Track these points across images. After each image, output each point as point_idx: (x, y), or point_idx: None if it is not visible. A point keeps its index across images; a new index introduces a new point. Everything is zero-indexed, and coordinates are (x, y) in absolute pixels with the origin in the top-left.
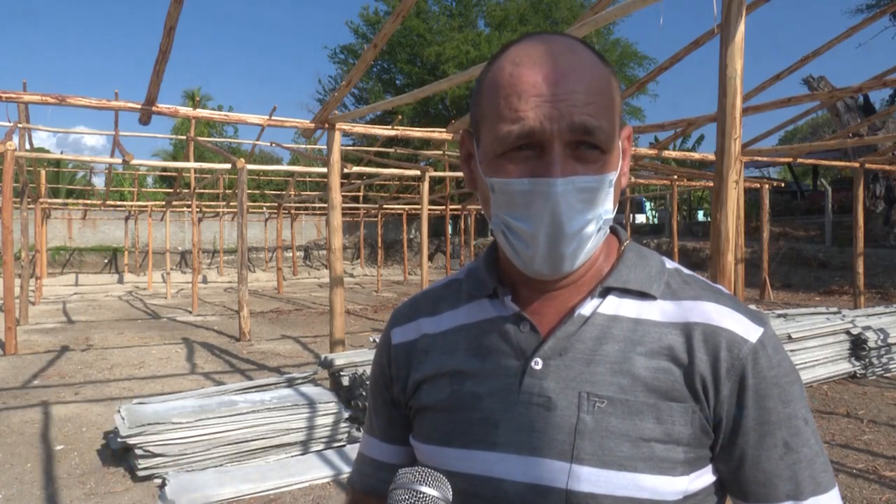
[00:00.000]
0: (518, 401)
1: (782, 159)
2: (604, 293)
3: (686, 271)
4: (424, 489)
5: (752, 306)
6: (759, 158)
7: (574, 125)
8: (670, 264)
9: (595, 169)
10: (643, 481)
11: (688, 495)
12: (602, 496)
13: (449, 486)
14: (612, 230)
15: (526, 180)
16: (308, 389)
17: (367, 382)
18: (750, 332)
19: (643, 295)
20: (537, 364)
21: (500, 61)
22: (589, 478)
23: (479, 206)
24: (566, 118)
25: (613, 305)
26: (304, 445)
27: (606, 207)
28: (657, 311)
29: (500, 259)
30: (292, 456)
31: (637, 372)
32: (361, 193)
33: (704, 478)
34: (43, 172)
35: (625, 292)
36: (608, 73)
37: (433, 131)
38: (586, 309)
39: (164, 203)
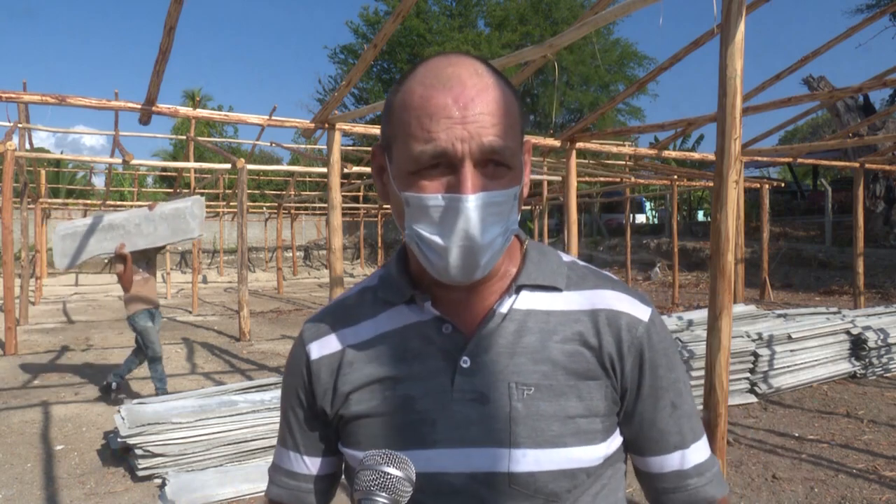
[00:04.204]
0: (452, 399)
1: (782, 159)
2: (517, 290)
3: (581, 263)
4: (389, 469)
5: (751, 307)
6: (759, 158)
7: (483, 146)
8: (566, 258)
9: (503, 184)
10: (573, 454)
11: (607, 457)
12: (540, 472)
13: (413, 468)
14: None
15: (440, 196)
16: None
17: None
18: (642, 312)
19: (551, 288)
20: (466, 362)
21: (409, 82)
22: (528, 458)
23: None
24: (475, 139)
25: (526, 300)
26: None
27: (513, 218)
28: (564, 301)
29: (411, 265)
30: None
31: (556, 358)
32: (361, 193)
33: (616, 440)
34: (43, 172)
35: (535, 287)
36: (511, 94)
37: None
38: (503, 307)
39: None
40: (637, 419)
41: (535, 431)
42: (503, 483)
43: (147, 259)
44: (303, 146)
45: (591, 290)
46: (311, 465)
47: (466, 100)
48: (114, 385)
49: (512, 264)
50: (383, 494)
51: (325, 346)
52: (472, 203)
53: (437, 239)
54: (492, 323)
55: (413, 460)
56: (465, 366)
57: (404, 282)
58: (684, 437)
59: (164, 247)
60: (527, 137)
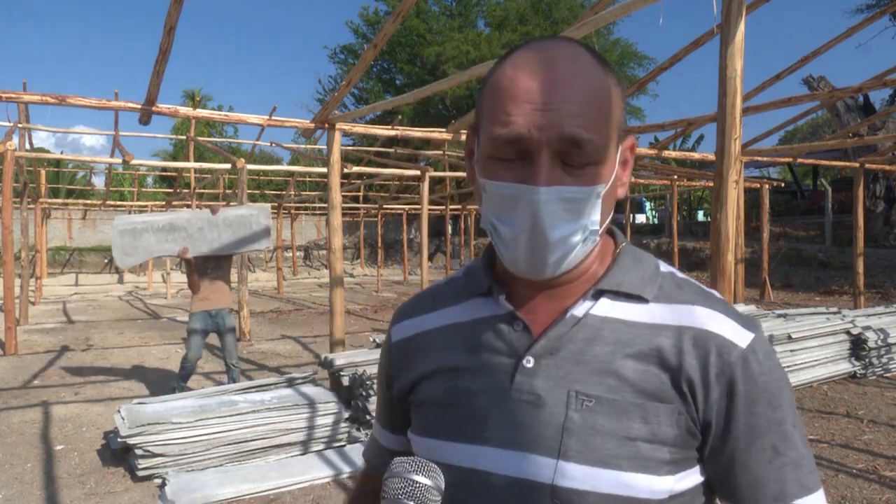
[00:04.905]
0: (509, 397)
1: (782, 159)
2: (597, 295)
3: (680, 275)
4: (418, 478)
5: (751, 307)
6: (759, 158)
7: (563, 136)
8: (665, 267)
9: (582, 180)
10: (627, 479)
11: (674, 495)
12: (586, 492)
13: (441, 476)
14: (609, 232)
15: (512, 185)
16: (308, 389)
17: (367, 382)
18: (740, 337)
19: (636, 297)
20: (529, 362)
21: (505, 63)
22: (574, 474)
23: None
24: (555, 128)
25: (606, 307)
26: (304, 445)
27: (593, 218)
28: (648, 313)
29: (496, 258)
30: (292, 456)
31: (625, 373)
32: (361, 193)
33: (692, 478)
34: (43, 172)
35: (618, 295)
36: (609, 84)
37: (433, 131)
38: (579, 310)
39: (164, 203)
40: (726, 459)
41: (587, 446)
42: (545, 495)
43: (215, 262)
44: (303, 146)
45: (683, 305)
46: (385, 439)
47: (553, 85)
48: (235, 376)
49: (600, 267)
50: (410, 503)
51: (404, 330)
52: (542, 196)
53: (506, 229)
54: (563, 325)
55: (462, 454)
56: (527, 365)
57: (486, 274)
58: (786, 489)
59: (232, 255)
60: (631, 135)
